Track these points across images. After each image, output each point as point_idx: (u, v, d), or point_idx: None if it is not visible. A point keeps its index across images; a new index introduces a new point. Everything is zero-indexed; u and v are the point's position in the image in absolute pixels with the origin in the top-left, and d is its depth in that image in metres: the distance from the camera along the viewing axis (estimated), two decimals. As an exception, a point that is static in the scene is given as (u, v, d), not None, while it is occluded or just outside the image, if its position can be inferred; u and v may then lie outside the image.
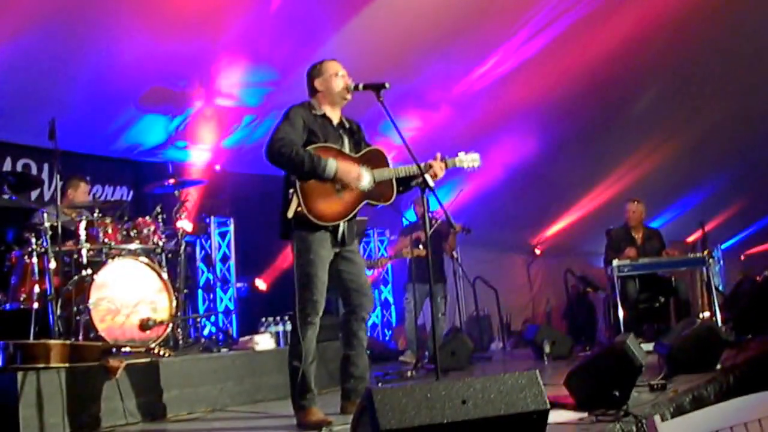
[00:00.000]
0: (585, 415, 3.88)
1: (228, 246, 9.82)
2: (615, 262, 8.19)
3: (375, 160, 4.47)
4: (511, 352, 10.65)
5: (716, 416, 2.38)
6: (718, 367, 5.61)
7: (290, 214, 4.22)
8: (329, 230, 4.35)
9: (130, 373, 5.03)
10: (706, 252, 8.39)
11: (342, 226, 4.40)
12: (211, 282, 9.49)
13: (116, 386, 4.90)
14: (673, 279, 8.62)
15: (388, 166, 4.48)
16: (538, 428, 2.77)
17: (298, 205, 4.20)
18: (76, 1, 6.57)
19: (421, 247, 8.34)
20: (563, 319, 13.07)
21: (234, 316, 9.56)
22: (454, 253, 9.62)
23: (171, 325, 6.11)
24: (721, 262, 17.79)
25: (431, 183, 4.22)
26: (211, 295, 9.48)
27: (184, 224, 7.18)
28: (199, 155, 9.31)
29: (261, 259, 10.10)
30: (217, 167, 9.65)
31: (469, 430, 2.62)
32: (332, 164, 4.21)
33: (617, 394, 3.92)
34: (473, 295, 11.65)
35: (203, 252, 9.59)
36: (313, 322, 4.32)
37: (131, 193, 9.17)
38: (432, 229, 8.65)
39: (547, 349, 8.01)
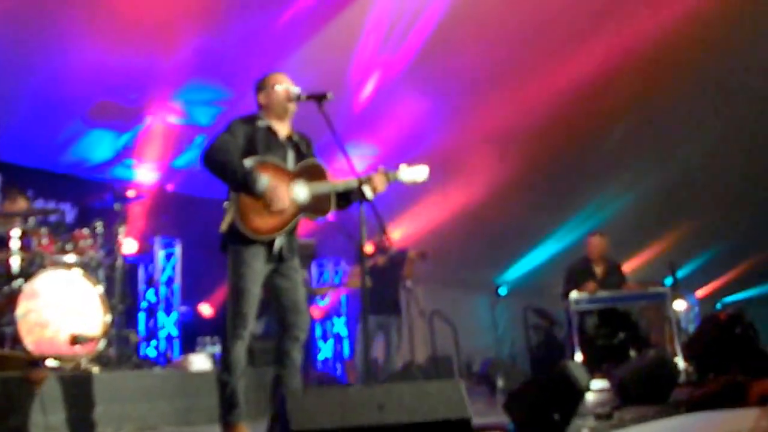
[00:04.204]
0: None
1: (173, 268, 9.63)
2: (573, 296, 8.06)
3: (314, 174, 4.40)
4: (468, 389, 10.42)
5: None
6: (670, 400, 5.54)
7: (223, 227, 4.16)
8: (264, 244, 4.25)
9: (56, 386, 4.86)
10: (671, 287, 8.30)
11: (278, 240, 4.30)
12: (154, 304, 9.28)
13: (39, 399, 4.72)
14: (633, 314, 8.47)
15: (326, 179, 4.41)
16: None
17: (233, 218, 4.12)
18: (26, 8, 6.45)
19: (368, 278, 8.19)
20: (527, 358, 12.87)
21: (177, 341, 9.35)
22: (408, 283, 9.40)
23: (103, 341, 5.91)
24: (697, 308, 17.74)
25: (369, 195, 4.16)
26: (153, 320, 9.26)
27: (129, 243, 7.01)
28: (148, 174, 9.15)
29: (208, 284, 9.88)
30: (169, 187, 9.50)
31: (386, 437, 2.52)
32: (264, 181, 4.13)
33: (558, 417, 3.84)
34: (430, 331, 11.41)
35: (147, 273, 9.38)
36: (242, 336, 4.21)
37: (75, 210, 8.96)
38: (387, 259, 8.58)
39: (500, 383, 7.84)
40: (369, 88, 8.67)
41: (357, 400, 2.54)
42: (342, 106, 8.46)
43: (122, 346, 6.74)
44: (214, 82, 7.98)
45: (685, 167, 11.65)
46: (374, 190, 4.33)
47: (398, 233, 11.56)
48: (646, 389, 5.40)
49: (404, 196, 10.19)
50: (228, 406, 4.19)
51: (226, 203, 4.20)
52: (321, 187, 4.36)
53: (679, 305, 10.24)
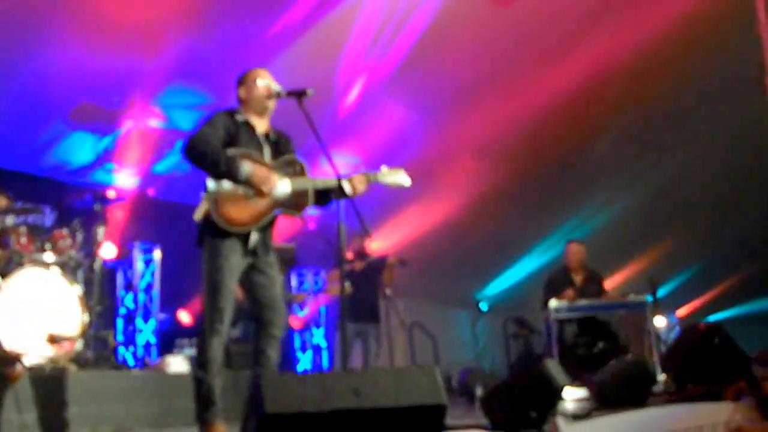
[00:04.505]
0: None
1: (152, 275, 9.57)
2: (552, 304, 8.05)
3: (293, 169, 4.39)
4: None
5: (622, 423, 2.32)
6: (648, 403, 5.55)
7: (198, 216, 4.14)
8: (240, 238, 4.24)
9: (31, 384, 4.80)
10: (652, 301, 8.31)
11: (254, 235, 4.28)
12: (132, 310, 9.21)
13: (14, 397, 4.66)
14: (612, 324, 8.48)
15: (305, 175, 4.40)
16: (436, 425, 2.67)
17: (208, 208, 4.12)
18: (8, 10, 6.43)
19: (347, 284, 8.17)
20: (507, 370, 12.82)
21: (154, 348, 9.27)
22: (388, 291, 9.36)
23: (80, 341, 5.86)
24: (677, 327, 17.72)
25: (349, 192, 4.18)
26: (131, 327, 9.19)
27: (108, 247, 6.97)
28: (128, 179, 9.10)
29: (187, 291, 9.83)
30: (149, 192, 9.45)
31: (361, 420, 2.52)
32: (247, 167, 4.14)
33: (535, 415, 3.85)
34: (409, 342, 11.38)
35: (126, 278, 9.32)
36: (219, 331, 4.17)
37: (55, 214, 8.88)
38: (366, 265, 8.58)
39: (479, 392, 7.81)
40: (352, 96, 8.69)
41: (333, 385, 2.54)
42: (326, 113, 8.47)
43: (100, 347, 6.70)
44: (196, 87, 7.98)
45: (667, 184, 11.65)
46: (354, 189, 4.34)
47: (378, 243, 11.55)
48: (624, 392, 5.43)
49: (385, 206, 10.22)
50: (204, 404, 4.16)
51: (203, 193, 4.19)
52: (301, 182, 4.35)
53: (660, 322, 10.23)
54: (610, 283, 12.33)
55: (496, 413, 4.06)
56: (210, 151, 4.12)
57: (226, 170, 4.12)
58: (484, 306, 15.43)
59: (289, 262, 8.46)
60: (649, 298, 8.56)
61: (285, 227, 8.58)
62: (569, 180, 11.43)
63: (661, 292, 12.14)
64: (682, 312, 18.28)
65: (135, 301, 9.30)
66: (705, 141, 10.54)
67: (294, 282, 11.89)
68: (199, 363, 4.20)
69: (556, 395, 4.00)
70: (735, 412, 2.52)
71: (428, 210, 11.54)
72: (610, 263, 12.86)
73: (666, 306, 14.56)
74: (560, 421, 2.15)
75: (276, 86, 4.45)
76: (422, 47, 8.15)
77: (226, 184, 4.17)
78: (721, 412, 2.56)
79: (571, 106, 9.41)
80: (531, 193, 11.58)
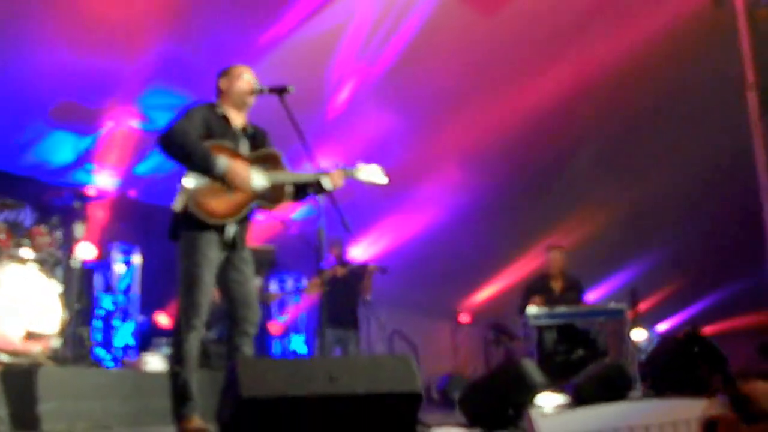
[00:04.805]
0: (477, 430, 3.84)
1: (132, 277, 9.53)
2: (531, 310, 8.00)
3: (271, 162, 4.40)
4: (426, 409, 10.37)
5: (597, 416, 2.34)
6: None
7: (177, 206, 4.14)
8: (217, 230, 4.23)
9: (8, 379, 4.79)
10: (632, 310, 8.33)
11: (231, 227, 4.28)
12: (110, 312, 9.16)
13: (-10, 391, 4.65)
14: (591, 332, 8.46)
15: (283, 169, 4.41)
16: (410, 413, 2.70)
17: (186, 200, 4.12)
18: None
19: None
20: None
21: (132, 351, 9.22)
22: (368, 297, 9.35)
23: (58, 338, 5.85)
24: (656, 341, 17.72)
25: (328, 187, 4.21)
26: (108, 328, 9.14)
27: (87, 248, 6.95)
28: (108, 180, 9.07)
29: (166, 294, 9.79)
30: (130, 194, 9.42)
31: (336, 406, 2.54)
32: (223, 162, 4.15)
33: (512, 412, 3.88)
34: (389, 350, 11.35)
35: (105, 280, 9.27)
36: (195, 326, 4.17)
37: (35, 214, 8.85)
38: (347, 271, 8.61)
39: (457, 397, 7.80)
40: (340, 99, 8.71)
41: (309, 370, 2.56)
42: (314, 115, 8.48)
43: (77, 345, 6.67)
44: (178, 88, 7.95)
45: (651, 196, 11.63)
46: (333, 183, 4.37)
47: (359, 251, 11.57)
48: (601, 393, 5.46)
49: (367, 213, 10.23)
50: (180, 399, 4.14)
51: (180, 185, 4.18)
52: (279, 176, 4.36)
53: (640, 335, 10.25)
54: (591, 296, 12.38)
55: (473, 410, 4.09)
56: (186, 143, 4.13)
57: (202, 164, 4.13)
58: (464, 317, 15.45)
59: (269, 264, 8.47)
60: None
61: (266, 229, 8.58)
62: (552, 191, 11.42)
63: (643, 305, 12.21)
64: (662, 327, 18.34)
65: (114, 302, 9.25)
66: (687, 155, 10.56)
67: (275, 287, 11.87)
68: (176, 358, 4.19)
69: (531, 392, 4.03)
70: (709, 408, 2.56)
71: (410, 218, 11.57)
72: (592, 276, 12.89)
73: (646, 320, 14.60)
74: (535, 415, 2.17)
75: (257, 83, 4.48)
76: (410, 53, 8.19)
77: (204, 176, 4.17)
78: (695, 407, 2.60)
79: (553, 118, 9.44)
80: (513, 203, 11.56)
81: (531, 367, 4.02)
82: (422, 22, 7.90)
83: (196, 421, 4.12)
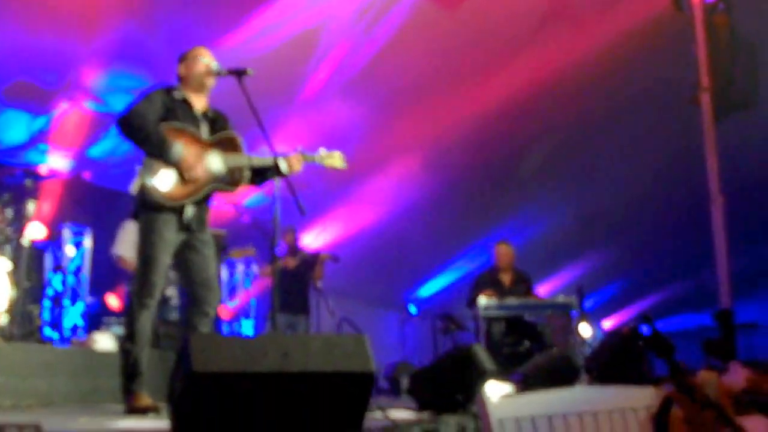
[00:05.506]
0: (426, 414, 3.92)
1: (82, 258, 9.48)
2: (482, 302, 8.09)
3: (229, 146, 4.45)
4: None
5: (549, 401, 2.41)
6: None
7: (134, 188, 4.18)
8: (175, 212, 4.28)
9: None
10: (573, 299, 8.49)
11: (189, 208, 4.32)
12: (60, 292, 9.11)
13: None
14: (539, 325, 8.57)
15: (242, 152, 4.46)
16: (363, 392, 2.79)
17: (144, 180, 4.16)
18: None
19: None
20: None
21: (81, 331, 9.18)
22: (318, 283, 9.45)
23: (6, 315, 5.84)
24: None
25: (285, 170, 4.28)
26: (58, 308, 9.08)
27: (37, 227, 6.91)
28: (62, 161, 9.00)
29: (119, 277, 9.74)
30: (85, 176, 9.36)
31: (289, 384, 2.60)
32: (178, 149, 4.20)
33: (461, 398, 3.97)
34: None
35: (55, 260, 9.21)
36: (148, 305, 4.24)
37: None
38: (299, 261, 8.69)
39: (405, 384, 7.85)
40: (306, 88, 8.75)
41: (262, 347, 2.60)
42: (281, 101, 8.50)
43: (26, 323, 6.65)
44: (136, 71, 7.92)
45: (601, 197, 11.78)
46: (290, 167, 4.42)
47: (311, 238, 11.63)
48: (548, 382, 5.59)
49: (320, 201, 10.29)
50: (130, 375, 4.22)
51: (139, 167, 4.22)
52: (236, 159, 4.41)
53: (586, 330, 10.41)
54: (539, 291, 12.52)
55: (423, 395, 4.18)
56: (144, 126, 4.16)
57: (157, 148, 4.17)
58: (413, 309, 15.52)
59: (221, 248, 8.48)
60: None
61: (218, 215, 8.59)
62: (503, 188, 11.56)
63: (589, 302, 12.40)
64: (607, 324, 18.64)
65: (63, 282, 9.18)
66: (639, 156, 10.73)
67: (225, 274, 11.85)
68: (127, 335, 4.25)
69: (481, 378, 4.12)
70: (656, 397, 2.66)
71: (363, 209, 11.64)
72: (540, 272, 13.04)
73: (593, 317, 14.81)
74: (487, 397, 2.26)
75: (216, 64, 4.51)
76: (376, 50, 8.27)
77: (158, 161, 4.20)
78: (643, 396, 2.68)
79: (508, 117, 9.57)
80: (465, 198, 11.68)
81: (481, 353, 4.13)
82: (391, 21, 7.97)
83: (144, 397, 4.19)
